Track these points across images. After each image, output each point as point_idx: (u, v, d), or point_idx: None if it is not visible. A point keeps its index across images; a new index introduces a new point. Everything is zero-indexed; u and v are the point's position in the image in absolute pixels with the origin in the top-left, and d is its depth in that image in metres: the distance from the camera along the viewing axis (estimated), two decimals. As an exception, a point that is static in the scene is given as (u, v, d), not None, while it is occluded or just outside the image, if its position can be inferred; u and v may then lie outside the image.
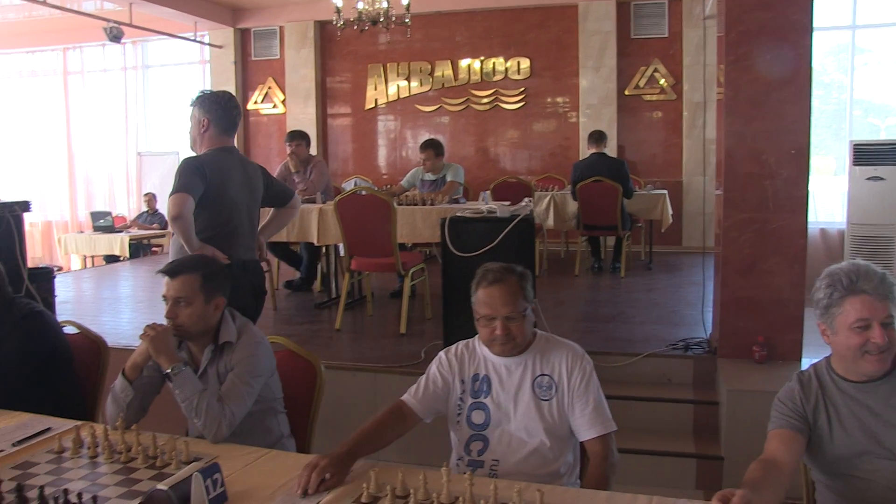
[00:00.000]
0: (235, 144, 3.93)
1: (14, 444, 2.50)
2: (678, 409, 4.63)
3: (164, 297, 2.75)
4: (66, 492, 2.03)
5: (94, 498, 2.04)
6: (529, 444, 2.49)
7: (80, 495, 2.04)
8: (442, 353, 2.66)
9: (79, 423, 2.65)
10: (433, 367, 2.64)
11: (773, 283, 4.61)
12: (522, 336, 2.51)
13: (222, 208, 3.76)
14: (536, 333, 2.62)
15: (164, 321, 2.76)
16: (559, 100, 10.57)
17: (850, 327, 2.17)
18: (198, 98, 3.86)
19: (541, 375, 2.53)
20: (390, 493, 2.07)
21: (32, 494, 2.05)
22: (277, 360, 3.00)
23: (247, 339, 2.80)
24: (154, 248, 11.31)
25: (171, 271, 2.77)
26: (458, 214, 4.58)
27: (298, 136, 7.13)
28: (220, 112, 3.82)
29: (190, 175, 3.65)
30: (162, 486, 2.08)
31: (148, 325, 2.69)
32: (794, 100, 4.52)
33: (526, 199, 4.64)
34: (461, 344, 2.66)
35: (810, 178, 4.60)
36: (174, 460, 2.33)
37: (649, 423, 4.61)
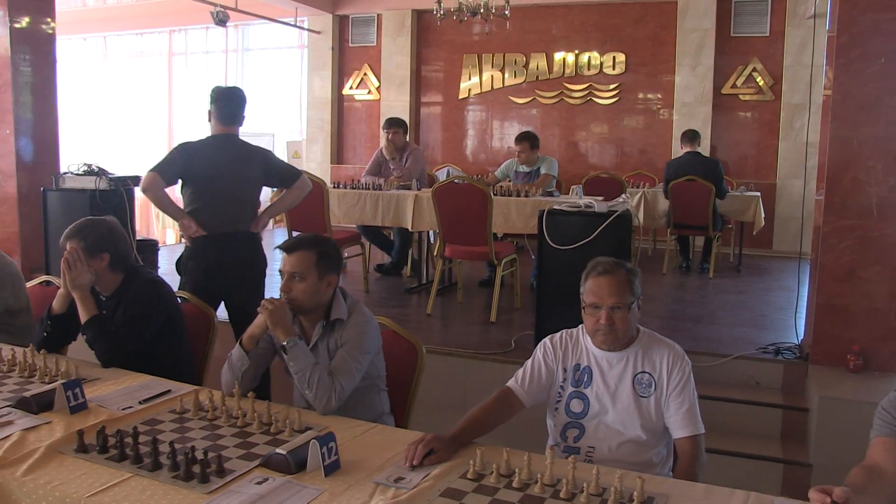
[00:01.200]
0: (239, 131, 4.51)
1: (141, 402, 2.69)
2: (766, 413, 4.60)
3: (280, 271, 2.90)
4: (193, 448, 2.19)
5: (219, 456, 2.19)
6: (625, 435, 2.56)
7: (206, 452, 2.19)
8: (547, 340, 2.74)
9: (196, 387, 2.82)
10: (538, 354, 2.72)
11: (873, 292, 4.55)
12: (625, 329, 2.57)
13: (204, 186, 4.32)
14: (640, 330, 2.68)
15: (277, 295, 2.92)
16: (653, 96, 10.48)
17: None
18: (211, 91, 4.46)
19: (641, 372, 2.59)
20: (495, 471, 2.17)
21: (164, 448, 2.21)
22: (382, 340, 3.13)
23: (357, 317, 2.92)
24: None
25: (289, 247, 2.92)
26: (555, 207, 4.64)
27: (396, 124, 7.26)
28: (221, 105, 4.40)
29: (169, 157, 4.35)
30: (280, 450, 2.22)
31: (266, 300, 2.83)
32: (905, 106, 4.43)
33: (623, 196, 4.67)
34: (565, 332, 2.73)
35: None
36: (287, 428, 2.47)
37: (736, 425, 4.60)
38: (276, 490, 2.07)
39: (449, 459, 2.27)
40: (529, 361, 2.72)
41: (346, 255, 6.87)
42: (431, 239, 7.07)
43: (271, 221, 9.75)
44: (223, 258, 4.29)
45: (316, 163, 12.01)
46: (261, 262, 4.48)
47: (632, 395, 2.58)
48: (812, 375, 4.57)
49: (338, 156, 12.15)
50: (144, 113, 13.26)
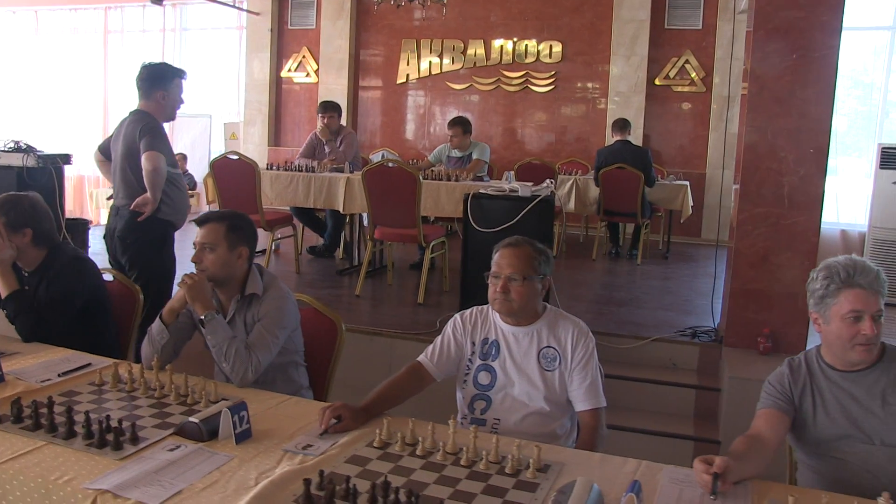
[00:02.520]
0: (147, 106, 4.47)
1: (60, 375, 2.72)
2: (681, 393, 4.78)
3: (194, 243, 2.95)
4: (108, 417, 2.24)
5: (133, 425, 2.23)
6: (530, 407, 2.68)
7: (120, 421, 2.23)
8: (457, 316, 2.84)
9: (117, 361, 2.85)
10: (448, 330, 2.82)
11: (784, 278, 4.74)
12: (520, 301, 2.67)
13: (112, 161, 4.58)
14: (546, 307, 2.79)
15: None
16: (589, 85, 10.64)
17: (843, 318, 2.32)
18: None
19: (547, 347, 2.71)
20: (400, 440, 2.26)
21: (79, 418, 2.26)
22: (302, 317, 3.20)
23: (274, 292, 2.98)
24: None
25: (201, 220, 2.99)
26: (480, 191, 4.73)
27: (332, 108, 7.32)
28: (138, 81, 4.50)
29: None
30: (193, 418, 2.28)
31: (186, 275, 2.88)
32: (817, 100, 4.61)
33: (547, 181, 4.78)
34: (475, 308, 2.83)
35: (827, 177, 4.69)
36: (203, 399, 2.53)
37: (653, 404, 4.77)
38: (187, 456, 2.13)
39: (357, 429, 2.35)
40: (440, 337, 2.82)
41: (277, 236, 6.90)
42: (364, 221, 7.12)
43: (204, 203, 9.71)
44: (111, 230, 4.52)
45: (254, 145, 11.94)
46: (131, 238, 4.42)
47: (537, 368, 2.69)
48: (725, 357, 4.75)
49: (275, 138, 12.10)
50: (78, 91, 12.97)
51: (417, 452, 2.21)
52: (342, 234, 7.53)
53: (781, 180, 4.68)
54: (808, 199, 4.67)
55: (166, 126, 4.57)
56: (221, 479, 2.01)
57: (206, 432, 2.25)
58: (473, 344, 2.78)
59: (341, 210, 6.54)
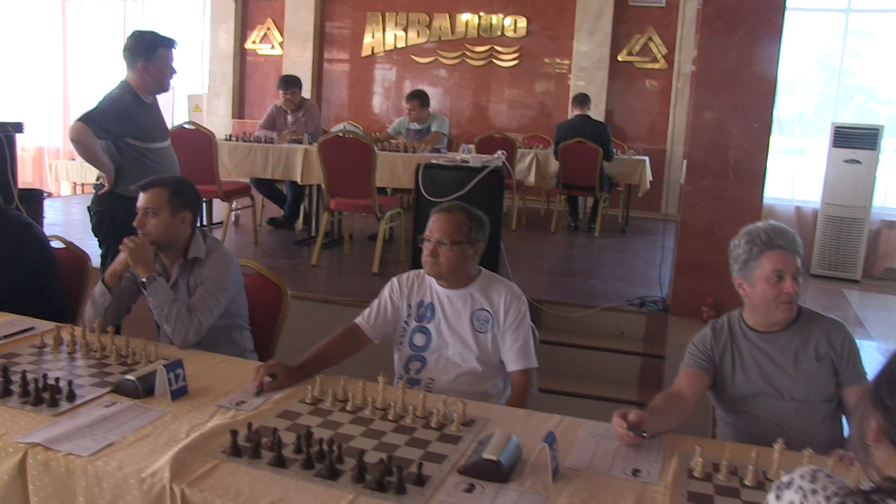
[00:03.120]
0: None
1: (0, 339, 2.75)
2: (628, 360, 4.90)
3: (136, 208, 2.99)
4: (45, 376, 2.29)
5: (70, 383, 2.29)
6: (463, 367, 2.76)
7: (56, 379, 2.29)
8: (394, 279, 2.92)
9: (61, 325, 2.89)
10: (385, 292, 2.89)
11: (727, 248, 4.84)
12: (448, 265, 2.74)
13: None
14: (481, 271, 2.88)
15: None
16: (553, 61, 10.69)
17: (766, 279, 2.44)
18: None
19: (480, 309, 2.79)
20: (331, 396, 2.33)
21: (16, 378, 2.30)
22: (247, 282, 3.26)
23: (216, 256, 3.04)
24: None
25: (144, 185, 3.03)
26: (433, 162, 4.80)
27: (293, 84, 7.37)
28: (123, 51, 4.28)
29: None
30: (130, 376, 2.34)
31: (127, 238, 2.92)
32: (762, 76, 4.72)
33: (499, 152, 4.84)
34: (413, 272, 2.91)
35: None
36: (144, 360, 2.58)
37: (600, 371, 4.89)
38: (122, 412, 2.20)
39: (290, 386, 2.43)
40: (377, 299, 2.90)
41: (235, 206, 6.92)
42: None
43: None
44: None
45: (218, 117, 11.88)
46: (93, 210, 4.30)
47: (470, 330, 2.77)
48: (670, 325, 4.88)
49: (239, 110, 12.06)
50: (36, 59, 12.77)
51: (347, 408, 2.29)
52: (301, 206, 7.56)
53: (727, 154, 4.80)
54: (752, 173, 4.79)
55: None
56: (154, 433, 2.08)
57: (143, 389, 2.31)
58: (409, 306, 2.86)
59: (299, 181, 6.57)
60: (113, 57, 12.38)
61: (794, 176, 9.67)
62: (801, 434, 2.39)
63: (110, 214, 4.16)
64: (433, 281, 2.84)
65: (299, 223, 7.66)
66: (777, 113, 9.56)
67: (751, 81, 4.72)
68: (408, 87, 11.06)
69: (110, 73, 12.46)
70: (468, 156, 4.79)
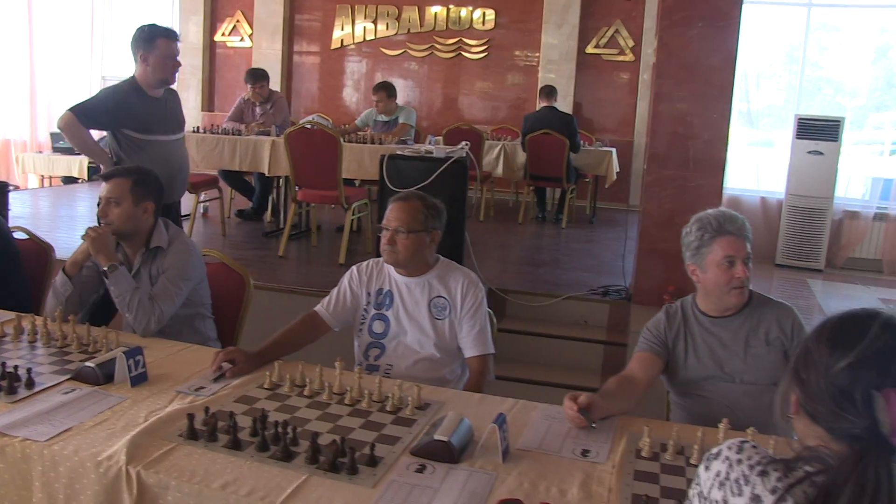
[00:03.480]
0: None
1: (-41, 327, 2.76)
2: (591, 349, 4.97)
3: (99, 198, 3.00)
4: (3, 364, 2.31)
5: (29, 370, 2.31)
6: (420, 354, 2.81)
7: (15, 367, 2.30)
8: (354, 268, 2.96)
9: (22, 314, 2.90)
10: (345, 281, 2.93)
11: (685, 237, 4.93)
12: (405, 253, 2.78)
13: None
14: (439, 259, 2.92)
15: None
16: (521, 53, 10.75)
17: (718, 264, 2.50)
18: None
19: (438, 297, 2.84)
20: (289, 381, 2.37)
21: (-27, 367, 2.32)
22: (211, 271, 3.29)
23: (178, 245, 3.06)
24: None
25: (106, 175, 3.05)
26: (397, 153, 4.83)
27: (261, 77, 7.39)
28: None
29: None
30: (90, 363, 2.37)
31: (89, 227, 2.94)
32: (720, 67, 4.80)
33: (463, 143, 4.88)
34: (372, 260, 2.95)
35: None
36: (105, 348, 2.60)
37: (563, 359, 4.96)
38: (81, 398, 2.22)
39: (249, 372, 2.46)
40: (337, 287, 2.93)
41: (202, 198, 6.91)
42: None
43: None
44: None
45: (187, 109, 11.69)
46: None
47: (428, 317, 2.82)
48: (633, 314, 4.95)
49: (209, 103, 12.01)
50: (1, 50, 12.59)
51: (305, 393, 2.33)
52: (270, 198, 7.57)
53: (687, 144, 4.87)
54: (712, 162, 4.87)
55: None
56: (112, 418, 2.10)
57: (102, 376, 2.34)
58: (369, 294, 2.90)
59: (266, 173, 6.59)
60: (81, 48, 12.31)
61: (760, 167, 9.81)
62: (751, 416, 2.45)
63: None
64: (392, 269, 2.88)
65: (268, 215, 7.67)
66: (746, 106, 9.74)
67: (710, 72, 4.80)
68: (378, 80, 11.07)
69: (78, 64, 12.40)
70: (432, 147, 4.83)
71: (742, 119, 9.85)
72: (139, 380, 2.36)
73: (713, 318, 2.61)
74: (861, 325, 1.26)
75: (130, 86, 4.28)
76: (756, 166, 9.88)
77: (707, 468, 1.33)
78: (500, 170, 8.59)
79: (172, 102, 4.52)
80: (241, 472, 1.84)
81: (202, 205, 7.43)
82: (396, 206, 2.81)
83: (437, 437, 1.95)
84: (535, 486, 1.86)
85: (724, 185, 9.23)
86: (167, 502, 1.80)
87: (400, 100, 7.87)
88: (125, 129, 4.23)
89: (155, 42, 4.22)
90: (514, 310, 5.25)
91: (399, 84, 10.74)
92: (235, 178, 7.46)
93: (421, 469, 1.90)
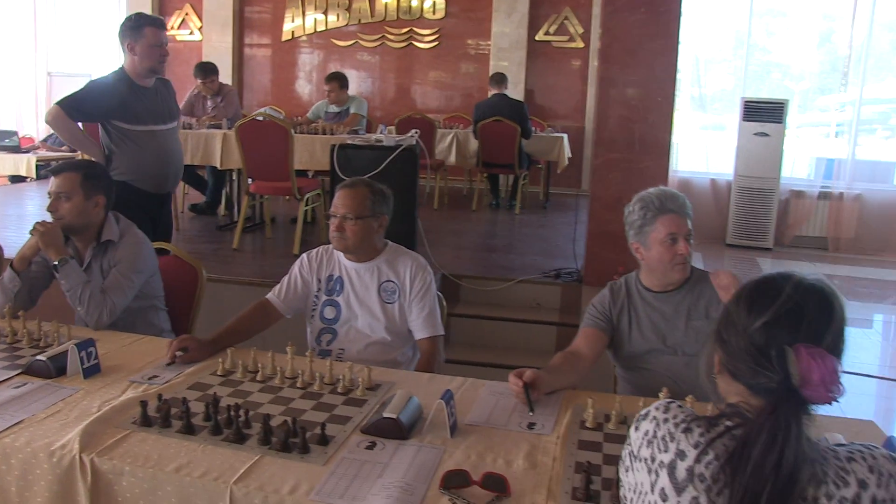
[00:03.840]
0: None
1: None
2: (544, 330, 5.06)
3: (48, 192, 3.01)
4: (-48, 360, 2.32)
5: (-21, 366, 2.32)
6: (372, 337, 2.87)
7: (-36, 363, 2.32)
8: (304, 256, 3.00)
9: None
10: (295, 269, 2.98)
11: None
12: (354, 238, 2.83)
13: None
14: (387, 244, 2.97)
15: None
16: (472, 42, 10.81)
17: (661, 242, 2.58)
18: None
19: (387, 281, 2.89)
20: (242, 367, 2.41)
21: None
22: (164, 264, 3.31)
23: (129, 239, 3.08)
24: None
25: (56, 170, 3.06)
26: (348, 142, 4.87)
27: (210, 72, 7.38)
28: None
29: None
30: (41, 357, 2.38)
31: (38, 222, 2.94)
32: (663, 52, 4.90)
33: (413, 131, 4.93)
34: (322, 248, 2.99)
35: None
36: (56, 342, 2.62)
37: (517, 341, 5.04)
38: (33, 392, 2.24)
39: (202, 360, 2.50)
40: (287, 275, 2.98)
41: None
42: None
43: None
44: None
45: (137, 105, 11.69)
46: None
47: (378, 301, 2.87)
48: (584, 295, 5.05)
49: (159, 97, 11.88)
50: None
51: (258, 378, 2.37)
52: (223, 191, 7.55)
53: (632, 127, 4.97)
54: (657, 144, 4.97)
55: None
56: (65, 409, 2.13)
57: (54, 369, 2.36)
58: (319, 281, 2.94)
59: (218, 166, 6.58)
60: (25, 44, 12.12)
61: (711, 150, 9.99)
62: (692, 386, 2.52)
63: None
64: (341, 255, 2.93)
65: (222, 209, 7.65)
66: (698, 90, 9.90)
67: (653, 57, 4.90)
68: (329, 71, 11.06)
69: (22, 60, 12.21)
70: (382, 136, 4.87)
71: (694, 103, 10.02)
72: (92, 371, 2.39)
73: (656, 294, 2.69)
74: (775, 287, 1.34)
75: (118, 77, 4.22)
76: (706, 149, 10.06)
77: (637, 428, 1.41)
78: (452, 158, 8.66)
79: (164, 92, 4.43)
80: (194, 456, 1.88)
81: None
82: (344, 192, 2.85)
83: (385, 414, 2.01)
84: (482, 458, 1.92)
85: (676, 168, 9.57)
86: (122, 488, 1.84)
87: (353, 90, 7.89)
88: (114, 121, 4.17)
89: (142, 31, 4.14)
90: (467, 295, 5.32)
91: (352, 75, 10.75)
92: (188, 173, 7.40)
93: (371, 446, 1.95)
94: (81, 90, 4.25)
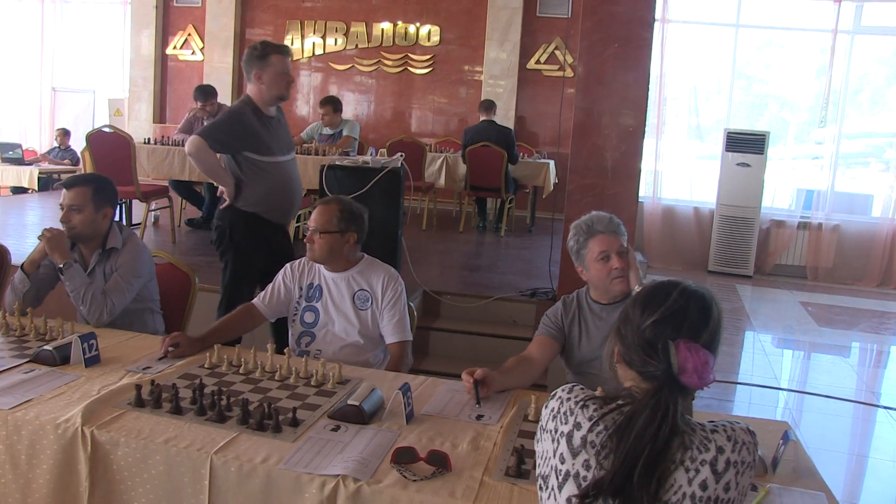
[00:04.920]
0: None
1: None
2: (518, 345, 5.25)
3: (60, 205, 3.30)
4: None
5: (-11, 355, 2.61)
6: (346, 341, 3.16)
7: (-23, 352, 2.60)
8: (287, 265, 3.30)
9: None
10: (279, 277, 3.27)
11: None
12: (320, 251, 3.13)
13: None
14: (364, 257, 3.27)
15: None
16: (465, 68, 11.15)
17: (595, 261, 2.88)
18: None
19: (361, 290, 3.19)
20: (227, 361, 2.70)
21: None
22: (160, 270, 3.61)
23: (131, 246, 3.37)
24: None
25: (68, 184, 3.35)
26: (336, 163, 5.16)
27: (211, 94, 7.67)
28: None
29: None
30: (47, 347, 2.67)
31: (45, 228, 3.24)
32: (635, 84, 5.20)
33: (399, 154, 5.22)
34: (304, 259, 3.29)
35: (643, 153, 5.31)
36: (60, 335, 2.90)
37: (492, 355, 5.29)
38: (40, 376, 2.53)
39: (192, 355, 2.79)
40: (272, 283, 3.27)
41: (153, 207, 7.18)
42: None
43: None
44: None
45: (139, 121, 12.03)
46: (214, 224, 4.41)
47: (352, 308, 3.17)
48: (556, 313, 5.32)
49: (160, 115, 12.22)
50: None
51: (240, 371, 2.66)
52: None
53: (605, 155, 5.27)
54: (627, 172, 5.27)
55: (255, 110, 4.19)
56: (68, 391, 2.41)
57: (59, 358, 2.64)
58: (301, 288, 3.24)
59: (215, 182, 6.86)
60: (31, 60, 12.44)
61: (697, 179, 10.31)
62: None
63: (230, 229, 4.22)
64: (321, 266, 3.23)
65: (217, 223, 7.91)
66: (696, 120, 10.22)
67: (625, 89, 5.20)
68: (326, 94, 11.39)
69: (28, 76, 12.53)
70: (369, 157, 5.17)
71: (692, 133, 10.36)
72: (93, 361, 2.67)
73: (603, 305, 2.98)
74: (664, 292, 1.64)
75: (248, 106, 4.18)
76: (690, 177, 10.38)
77: (546, 406, 1.70)
78: (442, 181, 8.96)
79: (284, 121, 4.44)
80: (181, 431, 2.16)
81: (153, 214, 7.70)
82: (317, 209, 3.18)
83: (350, 401, 2.30)
84: (431, 441, 2.20)
85: (660, 195, 9.88)
86: (118, 457, 2.12)
87: (350, 113, 8.22)
88: (246, 152, 4.14)
89: (269, 59, 4.12)
90: (447, 310, 5.60)
91: (349, 98, 11.16)
92: (186, 189, 7.73)
93: (336, 429, 2.24)
94: (220, 121, 4.26)
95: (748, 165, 9.20)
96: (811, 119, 10.05)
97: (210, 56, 11.84)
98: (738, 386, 5.58)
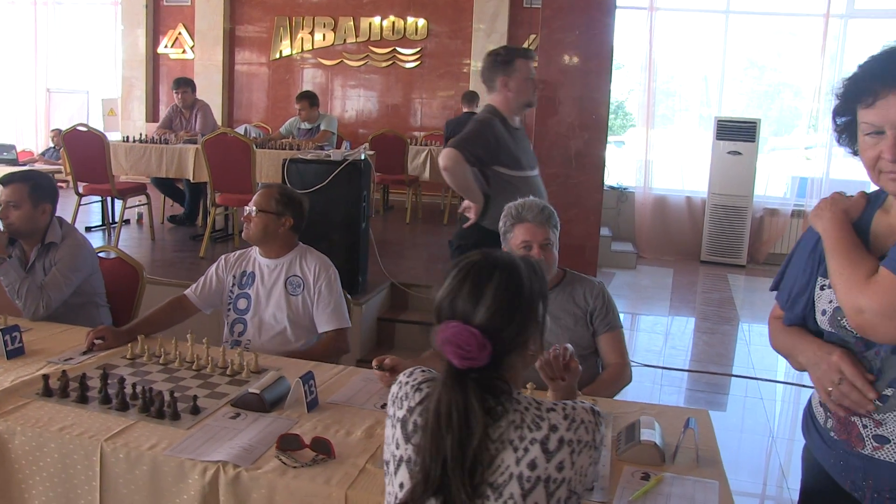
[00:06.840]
0: None
1: None
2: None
3: None
4: None
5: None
6: (276, 328, 3.19)
7: None
8: (222, 256, 3.35)
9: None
10: (212, 268, 3.31)
11: (572, 231, 5.32)
12: (254, 229, 3.21)
13: None
14: (299, 244, 3.31)
15: None
16: (453, 61, 11.14)
17: (517, 248, 2.86)
18: None
19: (293, 276, 3.23)
20: (148, 352, 2.74)
21: None
22: (108, 265, 3.67)
23: (70, 241, 3.42)
24: (60, 184, 11.57)
25: (4, 181, 3.39)
26: (298, 156, 5.19)
27: (184, 84, 7.75)
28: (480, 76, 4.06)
29: None
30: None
31: (-18, 225, 3.29)
32: (597, 72, 5.21)
33: (364, 146, 5.25)
34: (241, 250, 3.34)
35: (608, 141, 5.31)
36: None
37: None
38: (-40, 370, 2.56)
39: (117, 347, 2.83)
40: (205, 274, 3.31)
41: (135, 204, 7.25)
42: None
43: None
44: None
45: (132, 121, 12.07)
46: (454, 244, 4.06)
47: (283, 293, 3.20)
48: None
49: (153, 114, 12.28)
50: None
51: (160, 362, 2.69)
52: (200, 203, 7.89)
53: (568, 144, 5.28)
54: (591, 160, 5.28)
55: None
56: (-19, 384, 2.45)
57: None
58: (234, 277, 3.29)
59: (191, 178, 6.93)
60: (24, 59, 12.53)
61: (685, 168, 10.25)
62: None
63: (462, 248, 3.83)
64: (257, 252, 3.27)
65: (200, 220, 7.98)
66: (688, 108, 10.15)
67: (587, 77, 5.21)
68: (314, 89, 11.43)
69: (22, 77, 12.62)
70: (331, 150, 5.19)
71: (683, 122, 10.28)
72: (15, 353, 2.72)
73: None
74: (453, 268, 1.62)
75: (495, 116, 3.85)
76: (681, 167, 10.33)
77: (391, 392, 1.68)
78: (427, 174, 8.96)
79: (526, 135, 4.12)
80: (80, 420, 2.20)
81: (136, 211, 7.76)
82: (259, 191, 3.26)
83: (251, 390, 2.33)
84: (327, 428, 2.22)
85: (651, 185, 9.84)
86: (15, 445, 2.16)
87: (338, 108, 8.22)
88: (497, 166, 3.78)
89: (514, 64, 3.83)
90: (415, 302, 5.62)
91: (337, 92, 11.17)
92: (167, 185, 7.79)
93: (235, 416, 2.27)
94: (471, 132, 3.84)
95: (739, 153, 9.12)
96: (805, 105, 9.98)
97: (200, 54, 11.87)
98: (732, 378, 5.50)
